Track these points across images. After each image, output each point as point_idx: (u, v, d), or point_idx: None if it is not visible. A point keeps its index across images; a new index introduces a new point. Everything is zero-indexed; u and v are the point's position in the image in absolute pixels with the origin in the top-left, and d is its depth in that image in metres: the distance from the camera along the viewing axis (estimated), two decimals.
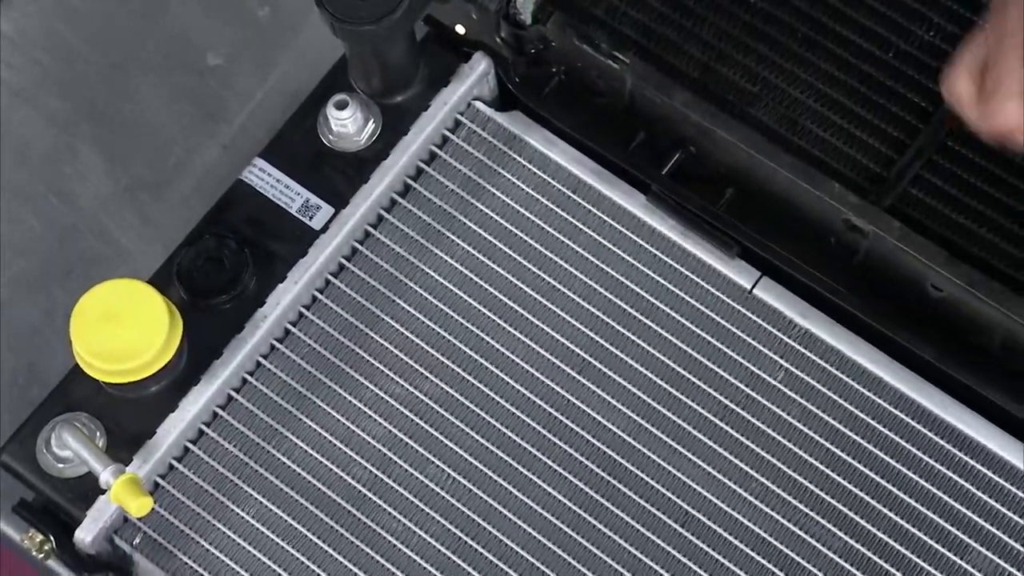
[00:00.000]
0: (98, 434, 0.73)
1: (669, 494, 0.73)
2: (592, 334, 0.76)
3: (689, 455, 0.74)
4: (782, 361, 0.75)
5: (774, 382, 0.75)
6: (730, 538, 0.73)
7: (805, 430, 0.74)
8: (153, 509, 0.72)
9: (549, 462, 0.74)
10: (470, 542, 0.72)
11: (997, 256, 0.76)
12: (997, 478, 0.74)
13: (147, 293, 0.71)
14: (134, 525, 0.72)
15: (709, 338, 0.76)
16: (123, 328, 0.70)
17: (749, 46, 0.80)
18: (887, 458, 0.74)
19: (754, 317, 0.76)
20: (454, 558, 0.72)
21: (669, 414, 0.75)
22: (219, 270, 0.75)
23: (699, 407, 0.75)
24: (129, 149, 0.85)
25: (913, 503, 0.73)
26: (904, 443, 0.75)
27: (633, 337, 0.76)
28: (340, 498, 0.73)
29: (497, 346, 0.76)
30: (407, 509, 0.73)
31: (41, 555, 0.72)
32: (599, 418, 0.75)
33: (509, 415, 0.75)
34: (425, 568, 0.72)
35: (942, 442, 0.75)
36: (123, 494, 0.68)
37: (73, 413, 0.73)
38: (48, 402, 0.73)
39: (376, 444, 0.74)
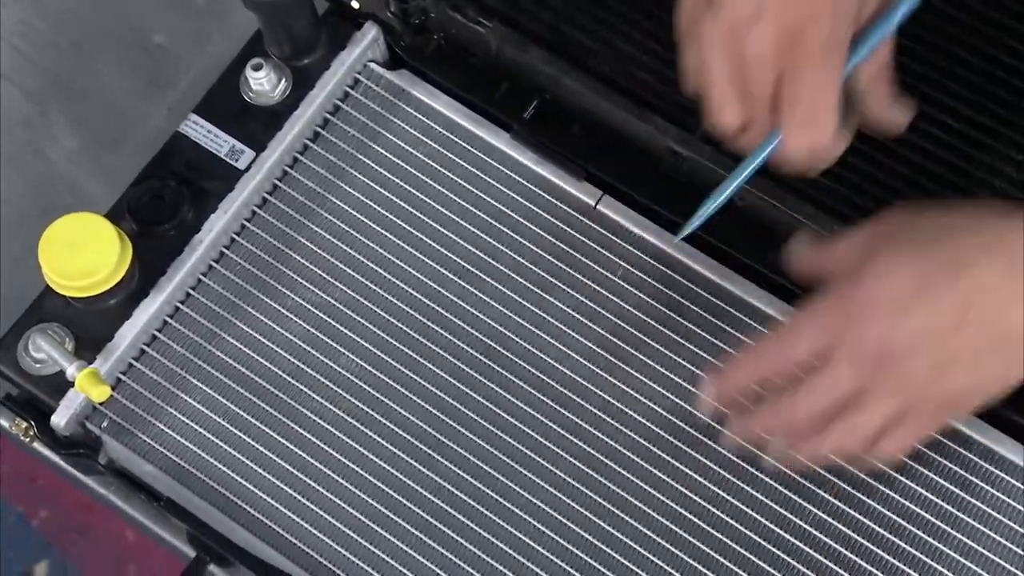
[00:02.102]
0: (67, 340, 0.73)
1: (534, 371, 0.73)
2: (469, 246, 0.76)
3: (548, 338, 0.74)
4: (620, 261, 0.76)
5: (614, 278, 0.75)
6: (578, 400, 0.73)
7: (639, 315, 0.74)
8: (116, 398, 0.72)
9: (434, 347, 0.74)
10: (373, 413, 0.73)
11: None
12: None
13: (101, 223, 0.71)
14: (101, 412, 0.72)
15: (562, 245, 0.76)
16: (82, 252, 0.70)
17: (591, 11, 0.80)
18: (706, 335, 0.74)
19: (598, 228, 0.76)
20: (359, 426, 0.72)
21: (533, 308, 0.75)
22: (162, 204, 0.75)
23: (556, 300, 0.75)
24: (91, 115, 0.85)
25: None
26: (720, 322, 0.74)
27: (501, 247, 0.76)
28: (268, 384, 0.73)
29: (392, 258, 0.76)
30: (322, 391, 0.73)
31: (27, 439, 0.72)
32: (477, 313, 0.75)
33: (401, 312, 0.75)
34: (336, 435, 0.72)
35: (755, 323, 0.74)
36: (86, 384, 0.69)
37: (46, 323, 0.73)
38: (25, 315, 0.73)
39: (296, 340, 0.74)
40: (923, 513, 0.71)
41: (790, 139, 0.63)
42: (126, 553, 1.40)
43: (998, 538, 0.70)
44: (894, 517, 0.71)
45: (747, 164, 0.66)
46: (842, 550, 0.70)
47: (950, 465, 0.72)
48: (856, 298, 0.61)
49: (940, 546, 0.70)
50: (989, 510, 0.71)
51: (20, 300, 0.75)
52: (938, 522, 0.71)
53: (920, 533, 0.71)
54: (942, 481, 0.71)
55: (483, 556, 0.70)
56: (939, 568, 0.70)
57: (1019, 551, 0.70)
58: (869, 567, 0.70)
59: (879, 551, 0.70)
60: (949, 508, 0.71)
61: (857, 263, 0.62)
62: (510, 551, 0.70)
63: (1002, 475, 0.72)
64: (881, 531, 0.71)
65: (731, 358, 0.68)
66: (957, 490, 0.71)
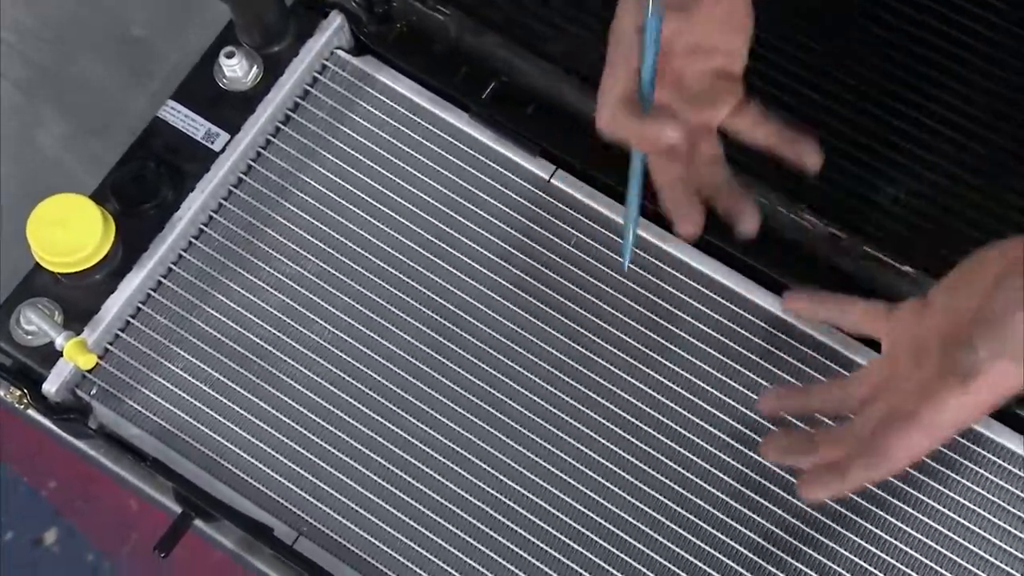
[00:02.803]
0: (56, 313, 0.73)
1: (494, 333, 0.74)
2: (432, 219, 0.76)
3: (507, 304, 0.74)
4: (572, 230, 0.76)
5: (566, 246, 0.76)
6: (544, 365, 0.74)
7: (592, 280, 0.75)
8: (104, 367, 0.72)
9: (401, 314, 0.74)
10: (345, 377, 0.73)
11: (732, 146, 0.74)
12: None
13: (85, 203, 0.71)
14: (90, 380, 0.72)
15: (519, 216, 0.76)
16: (68, 231, 0.70)
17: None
18: (654, 298, 0.75)
19: (552, 200, 0.77)
20: (332, 389, 0.73)
21: (492, 276, 0.75)
22: (143, 185, 0.75)
23: (514, 268, 0.75)
24: (77, 103, 0.85)
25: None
26: (667, 286, 0.75)
27: (462, 219, 0.76)
28: (247, 351, 0.73)
29: (361, 232, 0.76)
30: (297, 357, 0.73)
31: (21, 406, 0.72)
32: (441, 282, 0.75)
33: (371, 282, 0.75)
34: (310, 397, 0.72)
35: (694, 283, 0.74)
36: (73, 353, 0.70)
37: (37, 298, 0.73)
38: (16, 291, 0.73)
39: (272, 310, 0.74)
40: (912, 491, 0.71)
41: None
42: (129, 520, 1.40)
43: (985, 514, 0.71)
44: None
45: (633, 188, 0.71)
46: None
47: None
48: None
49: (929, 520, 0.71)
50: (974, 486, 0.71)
51: (15, 277, 0.75)
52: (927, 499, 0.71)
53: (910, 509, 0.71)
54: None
55: (447, 504, 0.71)
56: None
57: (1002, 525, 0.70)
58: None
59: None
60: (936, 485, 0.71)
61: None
62: (472, 499, 0.71)
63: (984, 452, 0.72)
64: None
65: (796, 389, 0.71)
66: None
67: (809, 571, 0.69)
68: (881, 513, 0.70)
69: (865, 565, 0.69)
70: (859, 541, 0.70)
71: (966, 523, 0.70)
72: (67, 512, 1.50)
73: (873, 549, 0.70)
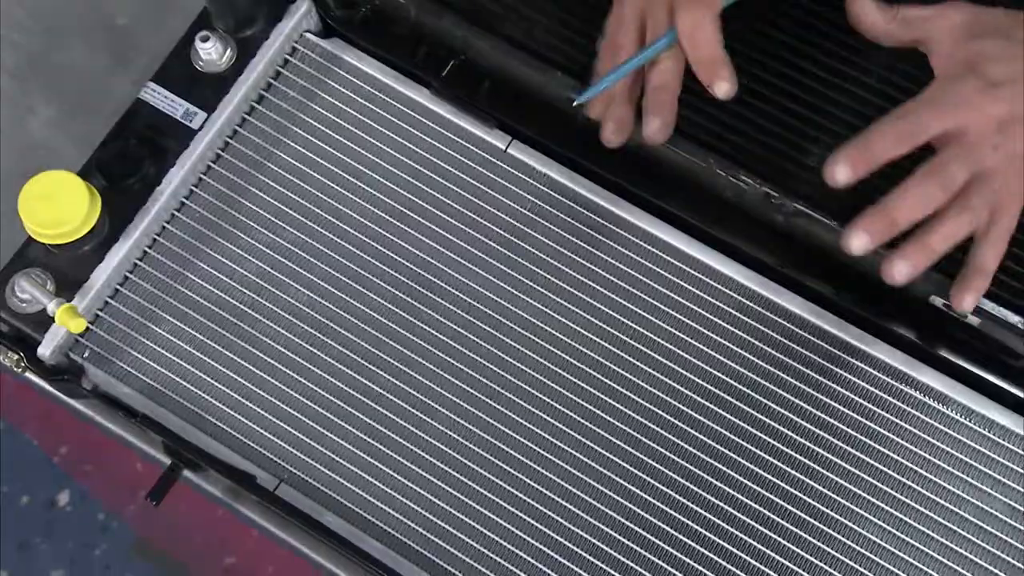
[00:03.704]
0: (48, 282, 0.73)
1: (459, 294, 0.74)
2: (398, 188, 0.76)
3: (470, 265, 0.74)
4: (529, 196, 0.76)
5: (523, 211, 0.76)
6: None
7: (548, 243, 0.75)
8: (94, 331, 0.72)
9: (371, 277, 0.74)
10: (320, 336, 0.73)
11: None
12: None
13: (72, 179, 0.71)
14: (82, 344, 0.72)
15: (477, 184, 0.76)
16: (56, 205, 0.70)
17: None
18: (606, 258, 0.75)
19: (509, 168, 0.77)
20: (309, 348, 0.73)
21: (455, 240, 0.75)
22: (127, 162, 0.74)
23: (475, 233, 0.75)
24: (64, 88, 0.85)
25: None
26: (621, 248, 0.75)
27: (426, 188, 0.76)
28: (228, 315, 0.73)
29: (332, 202, 0.76)
30: (275, 319, 0.73)
31: (18, 369, 0.72)
32: (407, 246, 0.75)
33: (342, 248, 0.75)
34: (288, 355, 0.73)
35: (643, 243, 0.74)
36: (64, 318, 0.69)
37: (30, 268, 0.73)
38: (11, 262, 0.73)
39: (251, 276, 0.74)
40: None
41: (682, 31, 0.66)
42: (136, 481, 1.40)
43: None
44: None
45: (637, 57, 0.68)
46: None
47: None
48: (979, 83, 0.63)
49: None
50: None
51: (10, 249, 0.75)
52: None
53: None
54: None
55: (417, 451, 0.71)
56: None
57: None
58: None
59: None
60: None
61: (956, 42, 0.64)
62: (440, 445, 0.71)
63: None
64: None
65: (861, 138, 0.64)
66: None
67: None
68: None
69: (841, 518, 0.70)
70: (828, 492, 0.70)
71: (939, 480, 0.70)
72: (77, 475, 1.50)
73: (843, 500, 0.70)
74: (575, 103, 0.71)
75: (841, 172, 0.63)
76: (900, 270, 0.64)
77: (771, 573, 0.68)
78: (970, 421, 0.71)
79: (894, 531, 0.69)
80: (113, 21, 0.86)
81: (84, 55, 0.86)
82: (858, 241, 0.63)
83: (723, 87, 0.65)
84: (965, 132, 0.63)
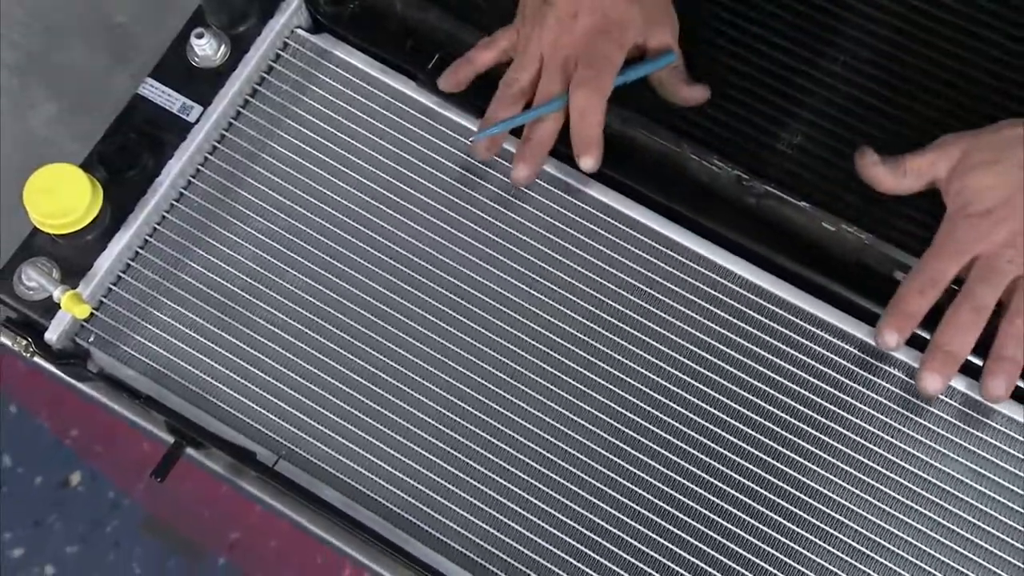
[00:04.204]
0: (54, 270, 0.73)
1: (441, 273, 0.74)
2: (386, 175, 0.77)
3: (452, 247, 0.74)
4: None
5: (506, 195, 0.76)
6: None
7: (524, 223, 0.75)
8: (99, 316, 0.73)
9: (361, 260, 0.74)
10: (313, 317, 0.73)
11: (648, 103, 0.76)
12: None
13: (74, 171, 0.71)
14: (87, 329, 0.73)
15: (459, 168, 0.77)
16: (60, 196, 0.70)
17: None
18: (578, 234, 0.75)
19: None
20: (303, 329, 0.73)
21: (440, 223, 0.75)
22: (127, 154, 0.74)
23: (457, 216, 0.75)
24: (65, 85, 0.85)
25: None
26: (590, 224, 0.75)
27: (410, 174, 0.76)
28: (226, 299, 0.74)
29: (323, 190, 0.76)
30: (271, 302, 0.74)
31: (28, 354, 0.73)
32: (394, 230, 0.75)
33: (333, 234, 0.75)
34: (283, 336, 0.73)
35: (619, 224, 0.74)
36: (70, 304, 0.70)
37: (36, 258, 0.73)
38: (18, 252, 0.74)
39: (247, 262, 0.74)
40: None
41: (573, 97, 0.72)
42: (143, 461, 1.40)
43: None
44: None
45: (531, 112, 0.74)
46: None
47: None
48: (975, 217, 0.68)
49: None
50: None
51: (16, 239, 0.75)
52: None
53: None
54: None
55: (408, 425, 0.72)
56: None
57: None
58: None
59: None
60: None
61: (954, 177, 0.69)
62: (430, 420, 0.72)
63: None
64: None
65: (895, 305, 0.69)
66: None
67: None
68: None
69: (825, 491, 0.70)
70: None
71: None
72: (88, 456, 1.50)
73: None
74: (470, 140, 0.75)
75: (892, 339, 0.69)
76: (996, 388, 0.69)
77: (758, 531, 0.69)
78: None
79: (868, 497, 0.70)
80: (112, 19, 0.86)
81: (84, 53, 0.86)
82: (933, 384, 0.69)
83: (589, 163, 0.72)
84: (979, 259, 0.68)
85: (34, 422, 1.52)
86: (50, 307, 0.72)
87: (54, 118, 0.84)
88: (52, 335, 0.72)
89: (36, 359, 0.74)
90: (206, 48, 0.77)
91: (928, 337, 0.70)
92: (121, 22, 0.86)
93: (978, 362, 0.70)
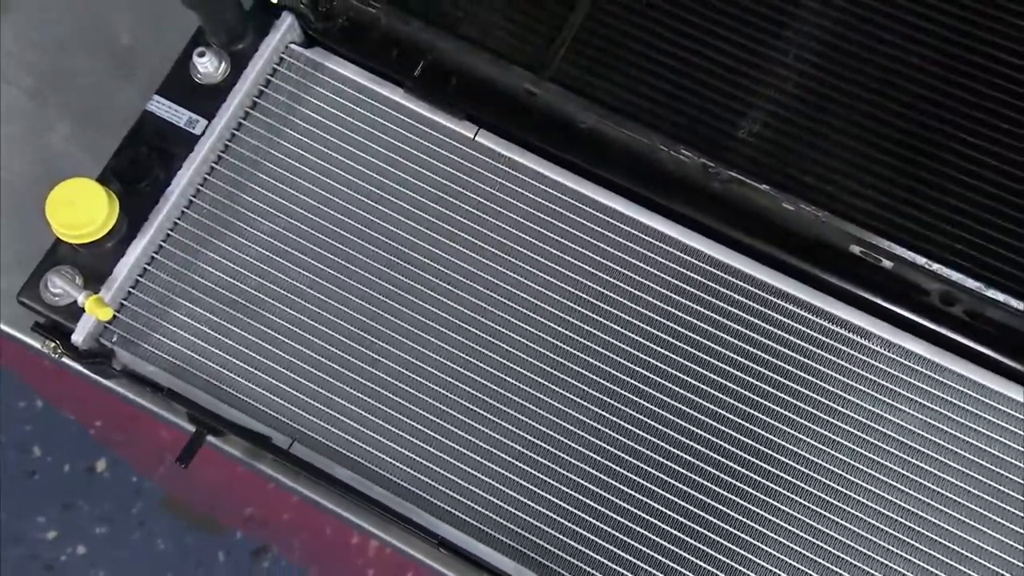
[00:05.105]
0: (77, 277, 0.73)
1: (435, 264, 0.74)
2: (372, 173, 0.77)
3: (442, 240, 0.75)
4: (496, 177, 0.76)
5: (493, 191, 0.76)
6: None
7: (514, 217, 0.75)
8: (120, 318, 0.73)
9: (359, 255, 0.75)
10: (316, 309, 0.74)
11: (619, 100, 0.77)
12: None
13: (92, 185, 0.71)
14: (110, 330, 0.73)
15: (447, 167, 0.77)
16: (79, 209, 0.70)
17: None
18: (564, 227, 0.76)
19: (476, 153, 0.77)
20: (310, 321, 0.74)
21: (431, 218, 0.75)
22: (139, 167, 0.75)
23: (449, 211, 0.76)
24: (78, 104, 0.84)
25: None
26: (577, 218, 0.75)
27: (404, 175, 0.77)
28: (236, 296, 0.74)
29: (322, 192, 0.76)
30: (277, 297, 0.74)
31: (56, 355, 0.73)
32: (389, 227, 0.75)
33: (332, 231, 0.75)
34: (293, 329, 0.73)
35: (596, 212, 0.75)
36: (93, 308, 0.70)
37: (60, 266, 0.74)
38: (42, 262, 0.74)
39: (254, 261, 0.75)
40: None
41: None
42: (162, 447, 1.41)
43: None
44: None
45: None
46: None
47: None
48: None
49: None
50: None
51: (38, 249, 0.75)
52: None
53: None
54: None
55: (410, 405, 0.72)
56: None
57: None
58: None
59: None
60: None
61: None
62: (428, 399, 0.72)
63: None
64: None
65: None
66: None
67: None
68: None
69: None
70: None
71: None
72: (112, 444, 1.51)
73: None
74: None
75: None
76: None
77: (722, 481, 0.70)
78: (890, 351, 0.72)
79: (822, 446, 0.71)
80: (116, 40, 0.85)
81: (94, 72, 0.85)
82: None
83: None
84: None
85: (60, 415, 1.52)
86: (75, 311, 0.72)
87: (68, 135, 0.83)
88: (78, 337, 0.72)
89: (64, 359, 0.74)
90: (208, 65, 0.77)
91: (908, 316, 0.69)
92: (126, 43, 0.85)
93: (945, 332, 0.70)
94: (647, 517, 0.69)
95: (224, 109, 0.77)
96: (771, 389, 0.72)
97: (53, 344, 0.73)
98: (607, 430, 0.71)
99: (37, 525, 1.48)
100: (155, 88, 0.78)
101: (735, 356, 0.72)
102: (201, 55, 0.76)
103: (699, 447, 0.71)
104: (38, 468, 1.50)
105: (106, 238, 0.72)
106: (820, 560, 0.69)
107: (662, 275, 0.74)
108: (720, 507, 0.70)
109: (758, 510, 0.69)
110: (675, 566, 0.69)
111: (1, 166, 0.82)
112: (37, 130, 0.83)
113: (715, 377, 0.72)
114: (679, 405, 0.72)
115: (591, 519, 0.70)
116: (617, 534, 0.69)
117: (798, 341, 0.73)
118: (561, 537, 0.69)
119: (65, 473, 1.49)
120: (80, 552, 1.46)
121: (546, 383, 0.72)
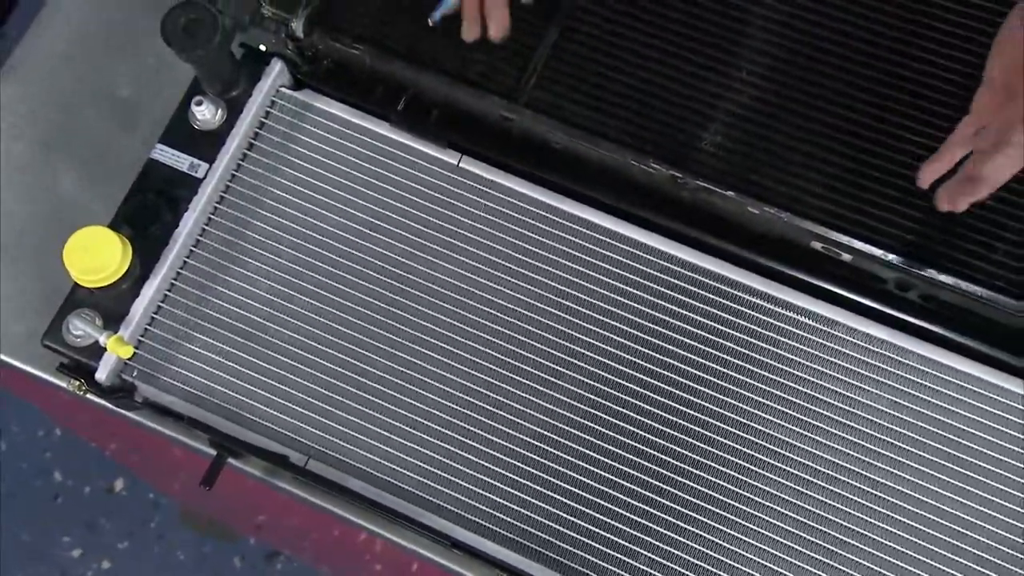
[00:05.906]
0: (96, 318, 0.73)
1: (423, 281, 0.74)
2: (365, 202, 0.77)
3: (432, 259, 0.75)
4: (481, 199, 0.76)
5: (477, 211, 0.76)
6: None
7: (499, 233, 0.75)
8: (140, 354, 0.73)
9: (356, 279, 0.75)
10: (322, 333, 0.74)
11: (589, 120, 0.77)
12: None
13: (105, 232, 0.71)
14: (131, 366, 0.73)
15: (435, 193, 0.77)
16: (95, 254, 0.70)
17: (429, 26, 0.79)
18: (552, 244, 0.76)
19: (461, 178, 0.77)
20: (316, 345, 0.74)
21: (418, 239, 0.75)
22: (147, 212, 0.75)
23: (435, 232, 0.76)
24: (84, 155, 0.84)
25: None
26: (561, 234, 0.75)
27: (392, 201, 0.77)
28: (246, 326, 0.74)
29: (318, 223, 0.76)
30: (285, 325, 0.74)
31: (81, 392, 0.73)
32: (380, 250, 0.75)
33: (330, 259, 0.75)
34: (301, 354, 0.73)
35: (575, 225, 0.75)
36: (115, 347, 0.70)
37: (80, 309, 0.73)
38: (63, 306, 0.74)
39: (261, 292, 0.75)
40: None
41: None
42: (176, 465, 1.41)
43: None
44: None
45: None
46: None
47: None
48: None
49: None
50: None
51: (55, 293, 0.75)
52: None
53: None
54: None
55: (416, 417, 0.72)
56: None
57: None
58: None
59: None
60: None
61: None
62: (432, 410, 0.73)
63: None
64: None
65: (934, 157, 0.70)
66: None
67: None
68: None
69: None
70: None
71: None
72: (128, 464, 1.50)
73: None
74: (431, 23, 0.76)
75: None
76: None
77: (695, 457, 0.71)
78: (854, 337, 0.73)
79: (799, 430, 0.72)
80: (117, 93, 0.84)
81: (97, 124, 0.84)
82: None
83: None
84: None
85: (78, 440, 1.52)
86: (96, 351, 0.72)
87: (76, 183, 0.82)
88: (102, 374, 0.72)
89: (88, 396, 0.73)
90: (205, 113, 0.77)
91: (869, 303, 0.71)
92: (126, 95, 0.85)
93: (897, 315, 0.72)
94: (640, 504, 0.70)
95: (223, 152, 0.77)
96: (749, 380, 0.73)
97: (78, 383, 0.72)
98: (604, 429, 0.72)
99: (63, 544, 1.47)
100: (157, 137, 0.78)
101: (713, 351, 0.73)
102: (199, 104, 0.76)
103: (685, 437, 0.72)
104: (60, 492, 1.49)
105: (121, 280, 0.72)
106: (802, 543, 0.70)
107: (641, 280, 0.75)
108: (710, 492, 0.70)
109: (748, 493, 0.70)
110: (669, 548, 0.70)
111: (16, 216, 0.82)
112: (47, 180, 0.83)
113: (696, 372, 0.73)
114: (666, 400, 0.72)
115: (590, 511, 0.70)
116: (606, 519, 0.70)
117: (770, 333, 0.74)
118: (560, 528, 0.70)
119: (86, 494, 1.49)
120: (105, 567, 1.45)
121: (540, 388, 0.73)
